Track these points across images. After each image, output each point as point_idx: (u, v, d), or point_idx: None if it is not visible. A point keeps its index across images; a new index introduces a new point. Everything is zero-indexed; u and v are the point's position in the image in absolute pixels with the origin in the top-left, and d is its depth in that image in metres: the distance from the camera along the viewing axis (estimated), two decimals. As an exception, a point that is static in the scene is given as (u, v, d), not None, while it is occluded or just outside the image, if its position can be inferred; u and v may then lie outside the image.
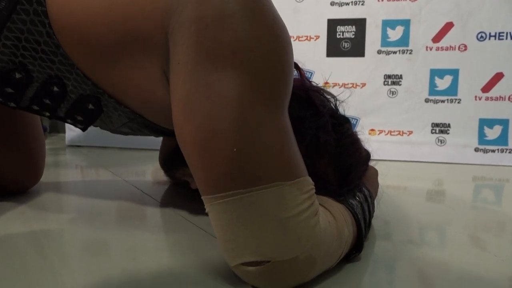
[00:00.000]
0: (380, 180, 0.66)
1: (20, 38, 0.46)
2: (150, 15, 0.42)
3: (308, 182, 0.39)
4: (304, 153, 0.42)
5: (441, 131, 1.29)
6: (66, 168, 1.12)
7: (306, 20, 1.31)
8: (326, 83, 1.29)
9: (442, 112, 1.29)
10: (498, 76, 1.24)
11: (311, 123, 0.49)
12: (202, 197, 0.39)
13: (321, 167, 0.50)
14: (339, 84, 1.32)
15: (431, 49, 1.27)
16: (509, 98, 1.25)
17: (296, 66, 0.54)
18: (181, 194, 0.78)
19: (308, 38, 1.32)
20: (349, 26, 1.30)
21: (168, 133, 0.58)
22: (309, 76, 1.29)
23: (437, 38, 1.26)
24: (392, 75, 1.30)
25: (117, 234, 0.56)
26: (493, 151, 1.27)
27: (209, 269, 0.44)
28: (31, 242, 0.53)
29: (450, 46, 1.26)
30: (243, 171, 0.36)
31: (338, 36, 1.31)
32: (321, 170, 0.50)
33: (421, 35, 1.27)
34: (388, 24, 1.28)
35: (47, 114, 0.55)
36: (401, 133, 1.31)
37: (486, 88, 1.26)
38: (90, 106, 0.51)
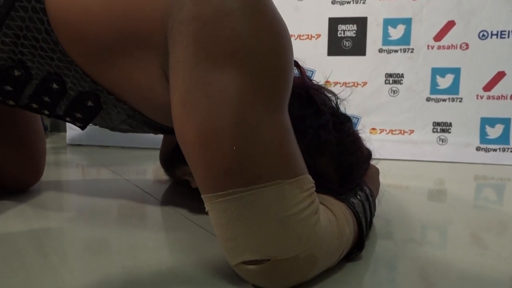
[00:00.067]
0: (381, 179, 0.66)
1: (18, 35, 0.46)
2: (149, 13, 0.42)
3: (308, 180, 0.39)
4: (305, 152, 0.42)
5: (443, 130, 1.29)
6: (66, 167, 1.12)
7: (307, 19, 1.31)
8: (327, 82, 1.28)
9: (443, 111, 1.28)
10: (500, 75, 1.24)
11: (312, 121, 0.48)
12: (202, 196, 0.39)
13: (321, 165, 0.50)
14: (340, 83, 1.32)
15: (432, 48, 1.27)
16: (510, 97, 1.24)
17: (297, 64, 0.54)
18: (182, 193, 0.78)
19: (309, 37, 1.32)
20: (350, 25, 1.30)
21: (167, 131, 0.58)
22: (310, 75, 1.28)
23: (438, 37, 1.26)
24: (394, 74, 1.30)
25: (117, 233, 0.56)
26: (495, 150, 1.26)
27: (210, 268, 0.44)
28: (31, 240, 0.52)
29: (452, 45, 1.25)
30: (243, 169, 0.36)
31: (339, 35, 1.31)
32: (322, 168, 0.50)
33: (422, 34, 1.27)
34: (390, 22, 1.28)
35: (46, 112, 0.55)
36: (402, 132, 1.31)
37: (488, 87, 1.25)
38: (89, 103, 0.51)
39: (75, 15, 0.44)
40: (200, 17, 0.38)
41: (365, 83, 1.31)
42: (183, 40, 0.38)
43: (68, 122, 0.57)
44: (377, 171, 0.65)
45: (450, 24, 1.25)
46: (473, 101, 1.26)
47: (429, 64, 1.27)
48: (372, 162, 0.60)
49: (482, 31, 1.23)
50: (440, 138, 1.29)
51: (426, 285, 0.43)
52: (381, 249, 0.52)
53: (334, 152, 0.50)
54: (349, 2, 1.29)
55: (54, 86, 0.50)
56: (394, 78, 1.30)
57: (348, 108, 0.57)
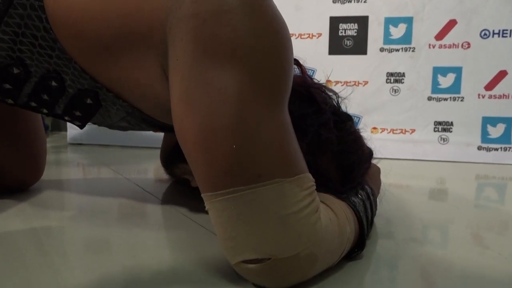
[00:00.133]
0: (382, 178, 0.66)
1: (17, 33, 0.45)
2: (148, 11, 0.41)
3: (309, 179, 0.39)
4: (306, 150, 0.42)
5: (444, 130, 1.29)
6: (67, 166, 1.12)
7: (308, 18, 1.31)
8: (328, 81, 1.28)
9: (445, 110, 1.28)
10: (502, 74, 1.24)
11: (313, 120, 0.48)
12: (202, 195, 0.39)
13: (323, 164, 0.50)
14: (341, 82, 1.32)
15: (434, 47, 1.26)
16: (512, 96, 1.24)
17: (298, 63, 0.53)
18: (182, 192, 0.78)
19: (310, 36, 1.32)
20: (352, 24, 1.29)
21: (166, 128, 0.58)
22: (311, 74, 1.28)
23: (440, 36, 1.26)
24: (395, 73, 1.29)
25: (118, 232, 0.56)
26: (496, 149, 1.26)
27: (210, 267, 0.44)
28: (32, 239, 0.52)
29: (453, 44, 1.25)
30: (243, 168, 0.36)
31: (340, 34, 1.30)
32: (323, 167, 0.49)
33: (424, 33, 1.26)
34: (391, 21, 1.28)
35: (45, 111, 0.55)
36: (403, 131, 1.31)
37: (490, 86, 1.25)
38: (89, 101, 0.51)
39: (74, 13, 0.44)
40: (199, 15, 0.37)
41: (366, 82, 1.31)
42: (183, 38, 0.38)
43: (67, 121, 0.57)
44: (378, 170, 0.65)
45: (452, 23, 1.25)
46: (474, 100, 1.26)
47: (431, 63, 1.27)
48: (373, 161, 0.60)
49: (483, 30, 1.23)
50: (441, 138, 1.29)
51: (427, 284, 0.43)
52: (382, 248, 0.52)
53: (335, 151, 0.50)
54: (350, 1, 1.28)
55: (53, 83, 0.50)
56: (395, 77, 1.30)
57: (349, 107, 0.57)
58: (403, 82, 1.29)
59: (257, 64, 0.37)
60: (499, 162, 1.25)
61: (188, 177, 0.66)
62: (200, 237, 0.54)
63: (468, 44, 1.24)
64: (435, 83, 1.28)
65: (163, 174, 0.82)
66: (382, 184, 0.65)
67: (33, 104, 0.54)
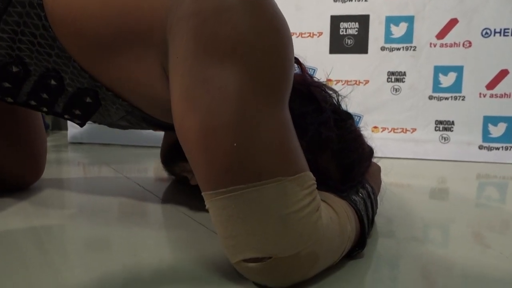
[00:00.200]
0: (383, 177, 0.66)
1: (16, 31, 0.45)
2: (148, 9, 0.41)
3: (309, 178, 0.39)
4: (306, 149, 0.41)
5: (445, 129, 1.28)
6: (68, 165, 1.12)
7: (308, 17, 1.30)
8: (329, 80, 1.28)
9: (446, 109, 1.28)
10: (503, 73, 1.23)
11: (313, 118, 0.48)
12: (202, 193, 0.38)
13: (323, 163, 0.50)
14: (342, 81, 1.31)
15: (435, 46, 1.26)
16: (514, 95, 1.24)
17: (298, 61, 0.53)
18: (183, 191, 0.78)
19: (311, 35, 1.32)
20: (352, 23, 1.29)
21: (166, 127, 0.58)
22: (312, 73, 1.28)
23: (441, 35, 1.25)
24: (396, 72, 1.29)
25: (118, 231, 0.56)
26: (498, 148, 1.26)
27: (210, 266, 0.44)
28: (32, 238, 0.52)
29: (454, 43, 1.25)
30: (244, 166, 0.36)
31: (341, 33, 1.30)
32: (323, 166, 0.49)
33: (425, 32, 1.26)
34: (392, 20, 1.27)
35: (45, 109, 0.55)
36: (404, 130, 1.31)
37: (491, 85, 1.24)
38: (88, 100, 0.51)
39: (73, 11, 0.44)
40: (200, 13, 0.37)
41: (367, 81, 1.31)
42: (183, 36, 0.38)
43: (67, 119, 0.56)
44: (378, 169, 0.65)
45: (453, 22, 1.24)
46: (475, 100, 1.26)
47: (432, 62, 1.27)
48: (374, 160, 0.59)
49: (485, 29, 1.22)
50: (442, 137, 1.29)
51: (428, 283, 0.43)
52: (383, 247, 0.52)
53: (336, 149, 0.50)
54: (351, 0, 1.28)
55: (52, 82, 0.49)
56: (396, 76, 1.29)
57: (350, 106, 0.57)
58: (404, 81, 1.29)
59: (258, 62, 0.37)
60: (500, 161, 1.24)
61: (187, 175, 0.66)
62: (200, 236, 0.54)
63: (469, 43, 1.24)
64: (436, 82, 1.27)
65: (164, 173, 0.82)
66: (382, 183, 0.65)
67: (32, 102, 0.53)
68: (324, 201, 0.42)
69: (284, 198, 0.36)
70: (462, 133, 1.27)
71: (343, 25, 1.30)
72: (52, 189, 0.77)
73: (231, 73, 0.36)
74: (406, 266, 0.47)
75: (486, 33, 1.23)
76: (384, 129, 1.32)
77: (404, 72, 1.29)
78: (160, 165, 0.79)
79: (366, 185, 0.53)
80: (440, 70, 1.27)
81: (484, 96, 1.25)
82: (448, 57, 1.25)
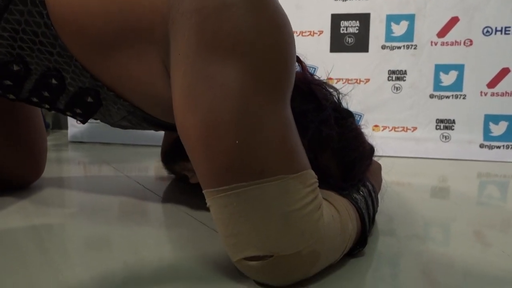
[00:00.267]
0: (384, 176, 0.66)
1: (17, 30, 0.45)
2: (150, 5, 0.41)
3: (311, 175, 0.39)
4: (307, 147, 0.41)
5: (446, 127, 1.28)
6: (68, 164, 1.12)
7: (309, 15, 1.30)
8: (330, 78, 1.28)
9: (447, 108, 1.27)
10: (504, 72, 1.23)
11: (314, 116, 0.48)
12: (203, 191, 0.38)
13: (324, 161, 0.49)
14: (342, 80, 1.31)
15: (436, 44, 1.26)
16: (515, 94, 1.23)
17: (298, 59, 0.53)
18: (183, 189, 0.78)
19: (312, 33, 1.31)
20: (353, 21, 1.29)
21: (168, 127, 0.58)
22: (313, 71, 1.27)
23: (442, 33, 1.25)
24: (397, 70, 1.29)
25: (118, 230, 0.55)
26: (499, 147, 1.25)
27: (211, 264, 0.44)
28: (32, 237, 0.52)
29: (456, 41, 1.24)
30: (245, 164, 0.35)
31: (341, 31, 1.30)
32: (324, 164, 0.49)
33: (426, 30, 1.26)
34: (393, 19, 1.27)
35: (47, 106, 0.55)
36: (405, 129, 1.30)
37: (492, 83, 1.24)
38: (89, 99, 0.51)
39: (74, 9, 0.44)
40: (202, 9, 0.37)
41: (367, 80, 1.31)
42: (185, 33, 0.38)
43: (69, 116, 0.56)
44: (379, 167, 0.65)
45: (454, 20, 1.24)
46: (477, 98, 1.25)
47: (433, 61, 1.26)
48: (374, 159, 0.59)
49: (486, 27, 1.22)
50: (443, 135, 1.28)
51: (429, 281, 0.43)
52: (384, 246, 0.51)
53: (336, 148, 0.50)
54: (351, -2, 1.28)
55: (53, 81, 0.49)
56: (397, 75, 1.29)
57: (350, 105, 0.57)
58: (405, 80, 1.29)
59: (259, 60, 0.37)
60: (501, 160, 1.24)
61: (187, 174, 0.66)
62: (201, 235, 0.54)
63: (471, 41, 1.23)
64: (437, 80, 1.27)
65: (164, 172, 0.82)
66: (383, 181, 0.65)
67: (34, 99, 0.53)
68: (325, 199, 0.42)
69: (286, 196, 0.36)
70: (463, 131, 1.27)
71: (343, 23, 1.29)
72: (52, 188, 0.77)
73: (233, 70, 0.36)
74: (407, 264, 0.47)
75: (487, 31, 1.22)
76: (384, 127, 1.32)
77: (405, 71, 1.28)
78: (161, 164, 0.79)
79: (367, 183, 0.52)
80: (441, 68, 1.26)
81: (485, 94, 1.25)
82: (449, 56, 1.25)
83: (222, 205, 0.36)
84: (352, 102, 0.57)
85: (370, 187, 0.52)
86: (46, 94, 0.51)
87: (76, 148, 1.35)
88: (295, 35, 0.47)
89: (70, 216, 0.61)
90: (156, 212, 0.66)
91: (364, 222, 0.46)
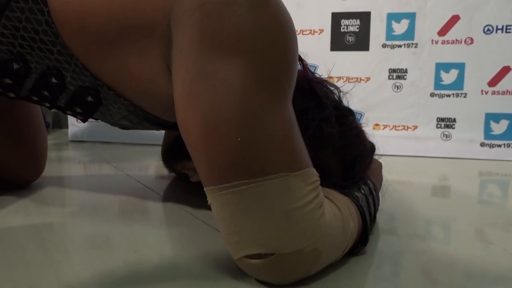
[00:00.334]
0: (384, 174, 0.66)
1: (18, 27, 0.45)
2: (152, 3, 0.41)
3: (313, 174, 0.38)
4: (308, 145, 0.41)
5: (447, 126, 1.28)
6: (68, 163, 1.12)
7: (310, 14, 1.30)
8: (330, 77, 1.27)
9: (447, 106, 1.27)
10: (505, 70, 1.23)
11: (314, 114, 0.48)
12: (205, 189, 0.38)
13: (324, 159, 0.49)
14: (343, 78, 1.31)
15: (436, 43, 1.25)
16: (516, 92, 1.23)
17: (299, 57, 0.53)
18: (184, 188, 0.78)
19: (312, 32, 1.31)
20: (354, 20, 1.29)
21: (168, 126, 0.58)
22: (313, 70, 1.27)
23: (443, 32, 1.25)
24: (397, 69, 1.29)
25: (119, 228, 0.55)
26: (499, 146, 1.25)
27: (212, 263, 0.44)
28: (33, 236, 0.52)
29: (456, 40, 1.24)
30: (247, 161, 0.35)
31: (342, 30, 1.30)
32: (325, 162, 0.49)
33: (426, 29, 1.26)
34: (393, 17, 1.27)
35: (47, 104, 0.54)
36: (406, 128, 1.30)
37: (493, 82, 1.24)
38: (89, 99, 0.51)
39: (75, 6, 0.44)
40: (203, 7, 0.37)
41: (368, 79, 1.30)
42: (187, 31, 0.38)
43: (69, 115, 0.56)
44: (380, 165, 0.65)
45: (455, 19, 1.24)
46: (477, 97, 1.25)
47: (433, 59, 1.26)
48: (375, 157, 0.59)
49: (487, 25, 1.22)
50: (444, 134, 1.28)
51: (430, 280, 0.42)
52: (385, 244, 0.51)
53: (337, 146, 0.50)
54: (352, -3, 1.28)
55: (53, 80, 0.49)
56: (398, 74, 1.29)
57: (351, 103, 0.56)
58: (405, 79, 1.29)
59: (261, 58, 0.37)
60: (502, 158, 1.24)
61: (188, 172, 0.65)
62: (202, 233, 0.54)
63: (471, 40, 1.23)
64: (437, 79, 1.27)
65: (164, 171, 0.81)
66: (384, 179, 0.65)
67: (34, 98, 0.53)
68: (327, 197, 0.42)
69: (288, 193, 0.36)
70: (463, 130, 1.26)
71: (344, 22, 1.29)
72: (53, 187, 0.77)
73: (235, 68, 0.36)
74: (408, 263, 0.47)
75: (488, 29, 1.22)
76: (385, 126, 1.31)
77: (406, 69, 1.28)
78: (161, 163, 0.79)
79: (368, 181, 0.52)
80: (442, 67, 1.26)
81: (486, 93, 1.25)
82: (449, 54, 1.25)
83: (223, 202, 0.36)
84: (352, 100, 0.57)
85: (371, 185, 0.52)
86: (45, 93, 0.51)
87: (76, 147, 1.35)
88: (295, 33, 0.48)
89: (71, 215, 0.61)
90: (157, 210, 0.66)
91: (365, 221, 0.46)
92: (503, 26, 1.21)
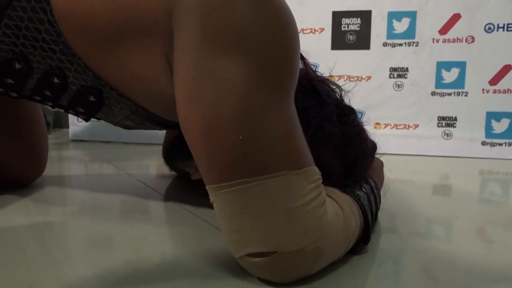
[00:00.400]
0: (386, 173, 0.65)
1: (20, 27, 0.45)
2: (152, 1, 0.41)
3: (315, 172, 0.38)
4: (309, 144, 0.41)
5: (448, 125, 1.28)
6: (69, 162, 1.12)
7: (310, 13, 1.30)
8: (331, 76, 1.27)
9: (448, 105, 1.27)
10: (506, 69, 1.23)
11: (316, 113, 0.48)
12: (206, 187, 0.38)
13: (326, 158, 0.49)
14: (344, 77, 1.31)
15: (437, 41, 1.25)
16: (517, 91, 1.23)
17: (301, 56, 0.53)
18: (185, 187, 0.78)
19: (313, 31, 1.31)
20: (354, 18, 1.28)
21: (171, 126, 0.57)
22: (314, 69, 1.27)
23: (444, 30, 1.25)
24: (398, 68, 1.28)
25: (120, 227, 0.55)
26: (501, 144, 1.25)
27: (213, 261, 0.44)
28: (34, 235, 0.52)
29: (457, 38, 1.24)
30: (249, 159, 0.35)
31: (343, 29, 1.29)
32: (326, 161, 0.49)
33: (427, 27, 1.25)
34: (394, 16, 1.27)
35: (50, 104, 0.54)
36: (407, 126, 1.30)
37: (494, 80, 1.24)
38: (92, 98, 0.51)
39: (77, 5, 0.44)
40: (206, 4, 0.37)
41: (369, 77, 1.30)
42: (189, 28, 0.38)
43: (72, 114, 0.56)
44: (381, 164, 0.65)
45: (456, 17, 1.23)
46: (478, 95, 1.25)
47: (434, 58, 1.26)
48: (376, 156, 0.59)
49: (488, 24, 1.22)
50: (445, 133, 1.28)
51: (431, 278, 0.42)
52: (387, 243, 0.51)
53: (339, 144, 0.50)
54: (353, -4, 1.27)
55: (55, 80, 0.49)
56: (399, 72, 1.29)
57: (353, 102, 0.56)
58: (406, 77, 1.28)
59: (264, 56, 0.37)
60: (503, 157, 1.24)
61: (188, 170, 0.65)
62: (203, 232, 0.54)
63: (472, 38, 1.23)
64: (438, 78, 1.27)
65: (165, 170, 0.81)
66: (385, 178, 0.64)
67: (37, 98, 0.53)
68: (328, 196, 0.41)
69: (289, 192, 0.35)
70: (465, 129, 1.26)
71: (345, 21, 1.29)
72: (53, 186, 0.77)
73: (237, 66, 0.36)
74: (409, 262, 0.47)
75: (489, 28, 1.22)
76: (386, 125, 1.31)
77: (407, 68, 1.28)
78: (162, 162, 0.79)
79: (370, 180, 0.52)
80: (443, 65, 1.26)
81: (487, 91, 1.24)
82: (451, 53, 1.25)
83: (225, 201, 0.36)
84: (354, 99, 0.57)
85: (373, 184, 0.52)
86: (48, 93, 0.51)
87: (77, 147, 1.35)
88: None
89: (72, 214, 0.61)
90: (158, 210, 0.66)
91: (367, 219, 0.46)
92: (504, 24, 1.21)
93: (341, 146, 0.50)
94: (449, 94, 1.27)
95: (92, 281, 0.39)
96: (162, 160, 0.80)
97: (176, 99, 0.39)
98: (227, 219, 0.37)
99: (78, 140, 1.44)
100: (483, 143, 1.26)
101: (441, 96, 1.27)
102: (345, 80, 1.30)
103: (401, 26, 1.27)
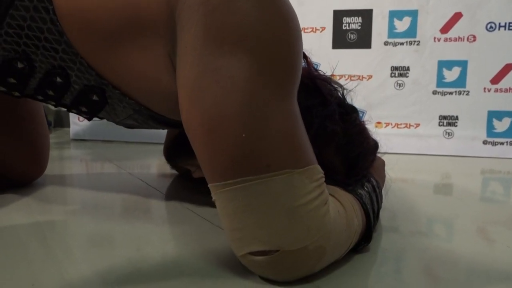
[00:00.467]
0: (387, 172, 0.65)
1: (22, 26, 0.45)
2: (154, 0, 0.41)
3: (318, 171, 0.38)
4: (311, 142, 0.41)
5: (449, 124, 1.28)
6: (70, 162, 1.12)
7: (311, 11, 1.29)
8: (332, 75, 1.27)
9: (450, 104, 1.27)
10: (508, 68, 1.22)
11: (318, 111, 0.48)
12: (209, 185, 0.38)
13: (328, 156, 0.49)
14: (345, 76, 1.31)
15: (439, 40, 1.25)
16: (518, 90, 1.23)
17: (304, 55, 0.53)
18: (186, 186, 0.78)
19: (314, 30, 1.31)
20: (355, 17, 1.28)
21: (174, 125, 0.57)
22: (316, 68, 1.27)
23: (445, 29, 1.24)
24: (399, 67, 1.28)
25: (121, 226, 0.55)
26: (502, 143, 1.25)
27: (214, 260, 0.44)
28: (35, 234, 0.52)
29: (459, 37, 1.24)
30: (252, 157, 0.35)
31: (344, 28, 1.29)
32: (328, 159, 0.49)
33: (429, 26, 1.25)
34: (395, 15, 1.26)
35: (52, 103, 0.54)
36: (408, 125, 1.30)
37: (495, 79, 1.23)
38: (95, 98, 0.51)
39: (80, 4, 0.44)
40: (208, 2, 0.37)
41: (370, 77, 1.30)
42: (192, 25, 0.38)
43: (74, 113, 0.56)
44: (383, 163, 0.65)
45: (457, 16, 1.23)
46: (480, 94, 1.25)
47: (436, 57, 1.26)
48: (378, 155, 0.59)
49: (489, 23, 1.21)
50: (446, 132, 1.28)
51: (433, 277, 0.42)
52: (388, 242, 0.51)
53: (341, 143, 0.50)
54: (353, -5, 1.27)
55: (58, 79, 0.49)
56: (400, 71, 1.28)
57: (355, 101, 0.56)
58: (407, 76, 1.28)
59: (267, 54, 0.37)
60: (504, 156, 1.24)
61: (190, 168, 0.65)
62: (205, 231, 0.53)
63: (474, 37, 1.23)
64: (440, 77, 1.27)
65: (167, 169, 0.81)
66: (387, 177, 0.64)
67: (39, 97, 0.53)
68: (331, 194, 0.41)
69: (292, 190, 0.35)
70: (466, 128, 1.26)
71: (346, 20, 1.29)
72: (55, 185, 0.77)
73: (240, 64, 0.36)
74: (411, 260, 0.47)
75: (491, 27, 1.21)
76: (387, 124, 1.31)
77: (408, 67, 1.28)
78: (163, 161, 0.79)
79: (371, 179, 0.52)
80: (444, 64, 1.26)
81: (489, 90, 1.24)
82: (452, 52, 1.24)
83: (227, 199, 0.36)
84: (356, 98, 0.57)
85: (374, 183, 0.52)
86: (50, 92, 0.51)
87: (78, 146, 1.35)
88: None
89: (73, 213, 0.61)
90: (159, 209, 0.66)
91: (368, 218, 0.45)
92: (505, 23, 1.20)
93: (343, 145, 0.50)
94: (451, 93, 1.27)
95: (94, 280, 0.39)
96: (163, 159, 0.80)
97: (179, 96, 0.39)
98: (229, 217, 0.37)
99: (79, 140, 1.44)
100: (485, 142, 1.26)
101: (442, 95, 1.27)
102: (346, 79, 1.30)
103: (402, 25, 1.26)
